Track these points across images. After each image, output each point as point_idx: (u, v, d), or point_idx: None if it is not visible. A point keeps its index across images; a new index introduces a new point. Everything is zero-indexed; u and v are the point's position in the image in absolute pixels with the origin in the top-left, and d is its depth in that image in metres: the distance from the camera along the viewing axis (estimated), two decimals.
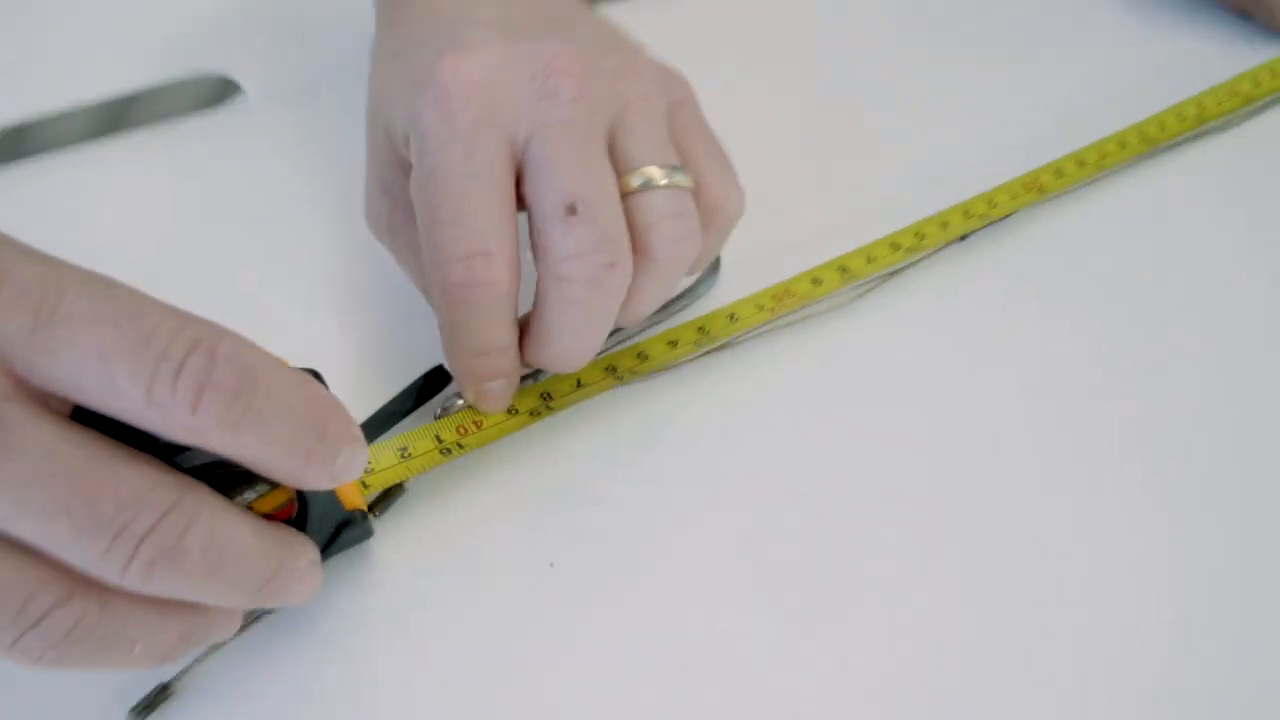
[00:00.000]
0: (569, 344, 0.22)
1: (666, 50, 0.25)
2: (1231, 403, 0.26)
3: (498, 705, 0.21)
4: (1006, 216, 0.30)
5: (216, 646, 0.22)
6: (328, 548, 0.21)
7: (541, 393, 0.25)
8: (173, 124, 0.35)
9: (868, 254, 0.28)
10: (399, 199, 0.24)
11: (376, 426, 0.24)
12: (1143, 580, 0.23)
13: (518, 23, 0.23)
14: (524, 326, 0.23)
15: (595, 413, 0.26)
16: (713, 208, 0.24)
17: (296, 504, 0.20)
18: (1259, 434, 0.26)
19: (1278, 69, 0.35)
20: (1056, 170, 0.31)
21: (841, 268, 0.28)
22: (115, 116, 0.38)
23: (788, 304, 0.27)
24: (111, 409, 0.16)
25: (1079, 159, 0.31)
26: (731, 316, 0.26)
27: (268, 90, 0.35)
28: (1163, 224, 0.31)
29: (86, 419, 0.16)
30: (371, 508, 0.23)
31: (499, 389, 0.23)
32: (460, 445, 0.24)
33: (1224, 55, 0.36)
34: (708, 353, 0.27)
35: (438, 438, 0.23)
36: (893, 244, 0.28)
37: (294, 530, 0.20)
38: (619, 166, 0.22)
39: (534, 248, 0.22)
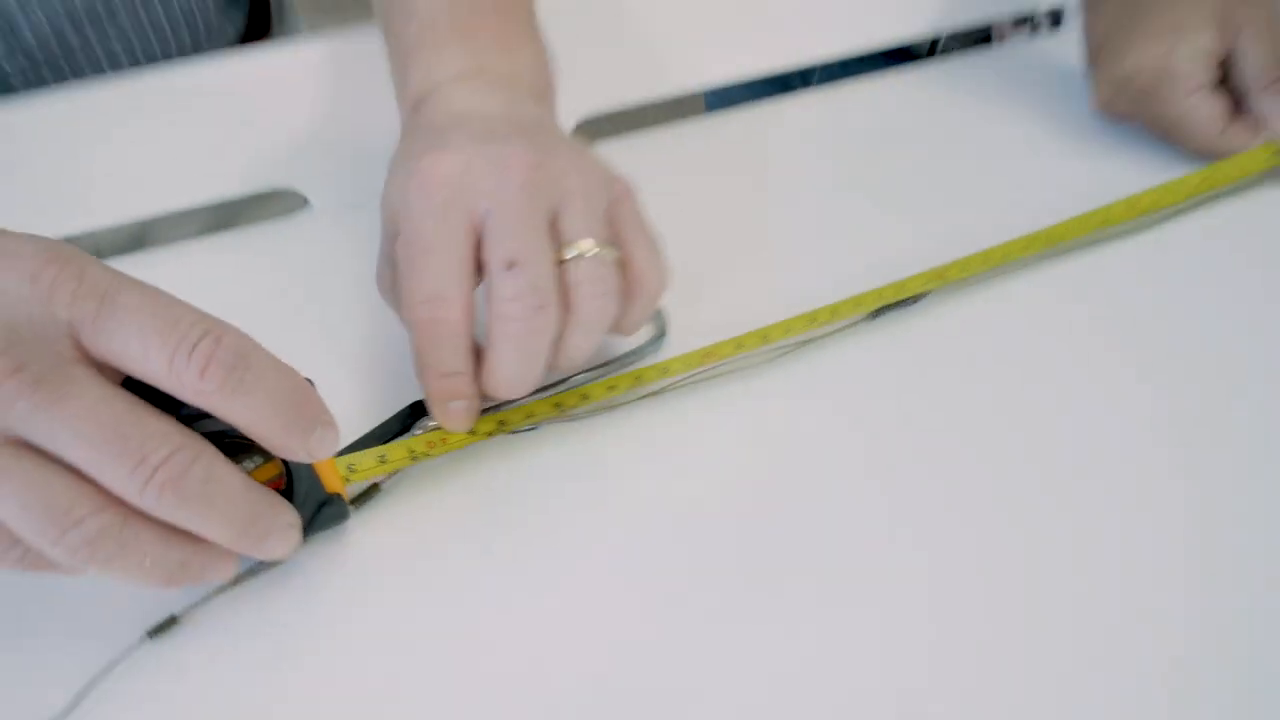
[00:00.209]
0: (510, 371, 0.28)
1: (657, 168, 0.32)
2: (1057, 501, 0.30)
3: (440, 654, 0.26)
4: (915, 298, 0.35)
5: (219, 589, 0.27)
6: (311, 523, 0.27)
7: (498, 420, 0.31)
8: (255, 228, 0.43)
9: (786, 325, 0.33)
10: (387, 281, 0.31)
11: (372, 440, 0.30)
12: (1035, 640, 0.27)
13: (493, 132, 0.30)
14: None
15: (545, 441, 0.31)
16: (638, 279, 0.30)
17: (286, 479, 0.26)
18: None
19: (1178, 188, 0.40)
20: (962, 265, 0.36)
21: (764, 335, 0.33)
22: (216, 219, 0.47)
23: (712, 360, 0.32)
24: (145, 374, 0.22)
25: (985, 257, 0.36)
26: (664, 369, 0.32)
27: (329, 204, 0.44)
28: (1058, 313, 0.36)
29: (133, 390, 0.23)
30: (354, 501, 0.29)
31: (459, 410, 0.29)
32: (427, 455, 0.29)
33: (1142, 174, 0.41)
34: (641, 398, 0.32)
35: (411, 450, 0.29)
36: (810, 318, 0.34)
37: (279, 495, 0.26)
38: (559, 240, 0.29)
39: (486, 296, 0.28)
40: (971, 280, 0.36)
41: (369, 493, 0.30)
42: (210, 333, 0.23)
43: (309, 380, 0.25)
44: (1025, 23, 0.55)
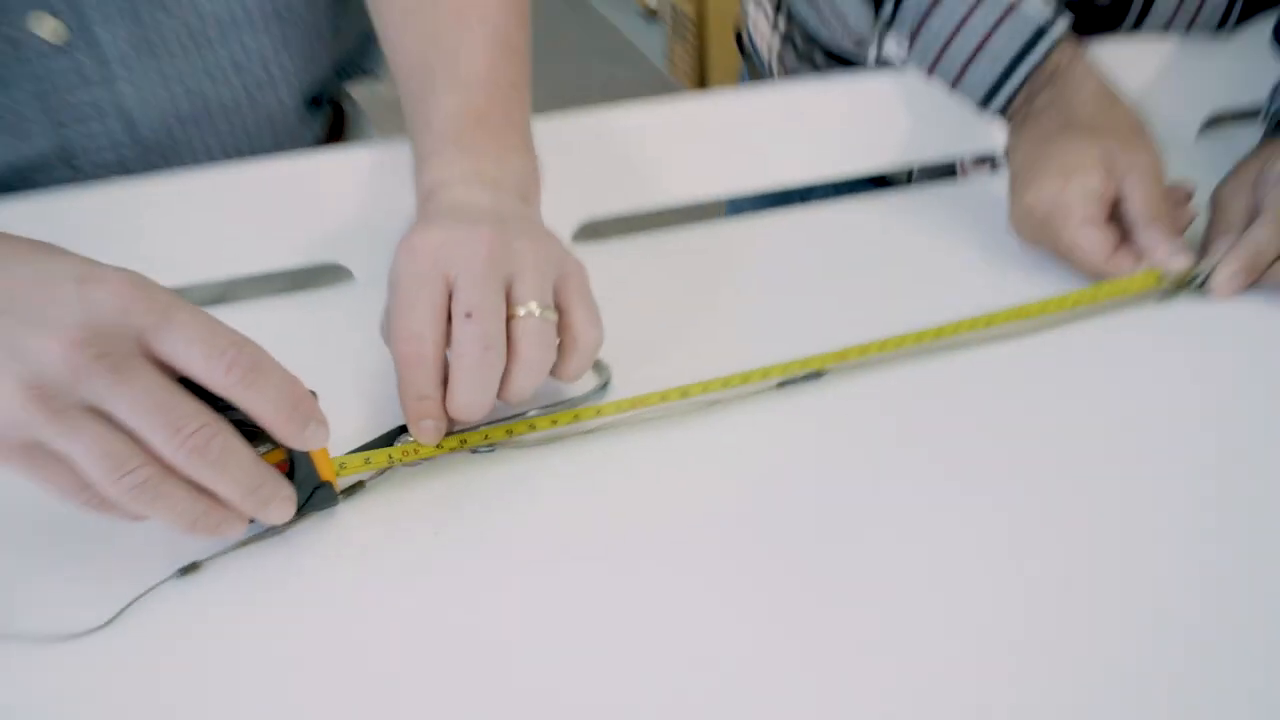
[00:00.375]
0: (465, 399, 0.37)
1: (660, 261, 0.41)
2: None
3: (394, 613, 0.34)
4: (817, 374, 0.43)
5: (234, 545, 0.36)
6: (307, 502, 0.36)
7: (461, 439, 0.39)
8: (307, 294, 0.53)
9: (704, 385, 0.41)
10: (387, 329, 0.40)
11: (364, 449, 0.38)
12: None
13: (473, 218, 0.39)
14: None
15: (497, 461, 0.39)
16: (574, 337, 0.39)
17: (289, 465, 0.35)
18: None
19: (1064, 302, 0.47)
20: (861, 349, 0.44)
21: (683, 391, 0.41)
22: (282, 284, 0.57)
23: (638, 406, 0.40)
24: (189, 371, 0.32)
25: (880, 345, 0.44)
26: (598, 411, 0.40)
27: (367, 277, 0.53)
28: (947, 397, 0.43)
29: (185, 385, 0.32)
30: (344, 492, 0.38)
31: (429, 427, 0.37)
32: (402, 461, 0.38)
33: (1035, 288, 0.49)
34: (578, 433, 0.40)
35: (389, 455, 0.38)
36: (724, 381, 0.42)
37: (281, 474, 0.34)
38: (511, 300, 0.37)
39: (450, 339, 0.37)
40: (870, 363, 0.44)
41: (355, 487, 0.38)
42: (236, 344, 0.32)
43: (313, 392, 0.34)
44: (985, 161, 0.63)
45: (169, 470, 0.32)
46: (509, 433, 0.39)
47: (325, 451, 0.36)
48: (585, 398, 0.42)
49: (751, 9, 0.74)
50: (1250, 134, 0.54)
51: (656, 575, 0.35)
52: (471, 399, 0.37)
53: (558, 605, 0.34)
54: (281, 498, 0.34)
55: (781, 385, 0.43)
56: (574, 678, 0.32)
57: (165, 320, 0.31)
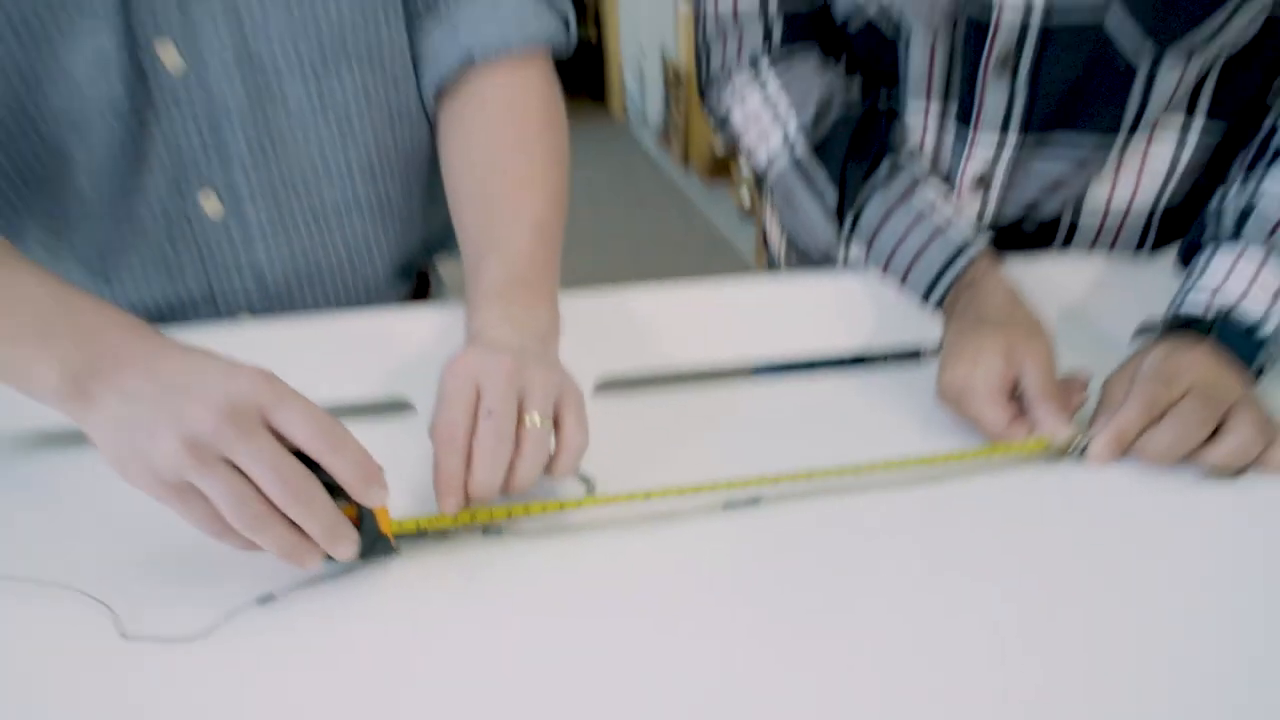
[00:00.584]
0: (481, 478, 0.50)
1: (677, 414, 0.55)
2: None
3: (419, 643, 0.46)
4: (756, 500, 0.55)
5: (302, 584, 0.49)
6: (369, 548, 0.49)
7: (472, 513, 0.52)
8: (379, 419, 0.68)
9: (663, 491, 0.54)
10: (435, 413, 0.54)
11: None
12: None
13: (501, 351, 0.54)
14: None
15: (501, 543, 0.52)
16: (564, 443, 0.52)
17: (359, 517, 0.48)
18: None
19: (966, 455, 0.59)
20: (791, 478, 0.56)
21: (646, 494, 0.54)
22: (364, 411, 0.72)
23: (604, 503, 0.53)
24: (295, 440, 0.45)
25: (808, 473, 0.56)
26: (578, 504, 0.53)
27: (426, 409, 0.68)
28: (866, 528, 0.55)
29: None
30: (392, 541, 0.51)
31: (453, 504, 0.51)
32: (429, 528, 0.51)
33: (955, 444, 0.60)
34: (564, 525, 0.53)
35: (418, 523, 0.51)
36: (677, 490, 0.54)
37: (350, 523, 0.47)
38: (521, 410, 0.51)
39: (475, 433, 0.51)
40: (801, 492, 0.56)
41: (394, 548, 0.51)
42: (328, 423, 0.46)
43: (380, 466, 0.48)
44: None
45: (275, 510, 0.45)
46: (509, 514, 0.52)
47: (385, 511, 0.49)
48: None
49: (768, 217, 0.90)
50: None
51: (617, 634, 0.47)
52: (486, 478, 0.50)
53: (537, 650, 0.46)
54: (350, 540, 0.47)
55: (727, 507, 0.55)
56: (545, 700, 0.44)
57: (281, 403, 0.46)
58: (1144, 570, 0.50)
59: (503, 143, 0.67)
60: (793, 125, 0.72)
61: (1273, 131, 0.68)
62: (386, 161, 0.70)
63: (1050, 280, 0.73)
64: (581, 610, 0.48)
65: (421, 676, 0.44)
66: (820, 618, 0.47)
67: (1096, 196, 0.73)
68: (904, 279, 0.69)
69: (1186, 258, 0.69)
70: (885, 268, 0.70)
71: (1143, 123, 0.68)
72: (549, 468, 0.53)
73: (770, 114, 0.73)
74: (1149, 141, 0.70)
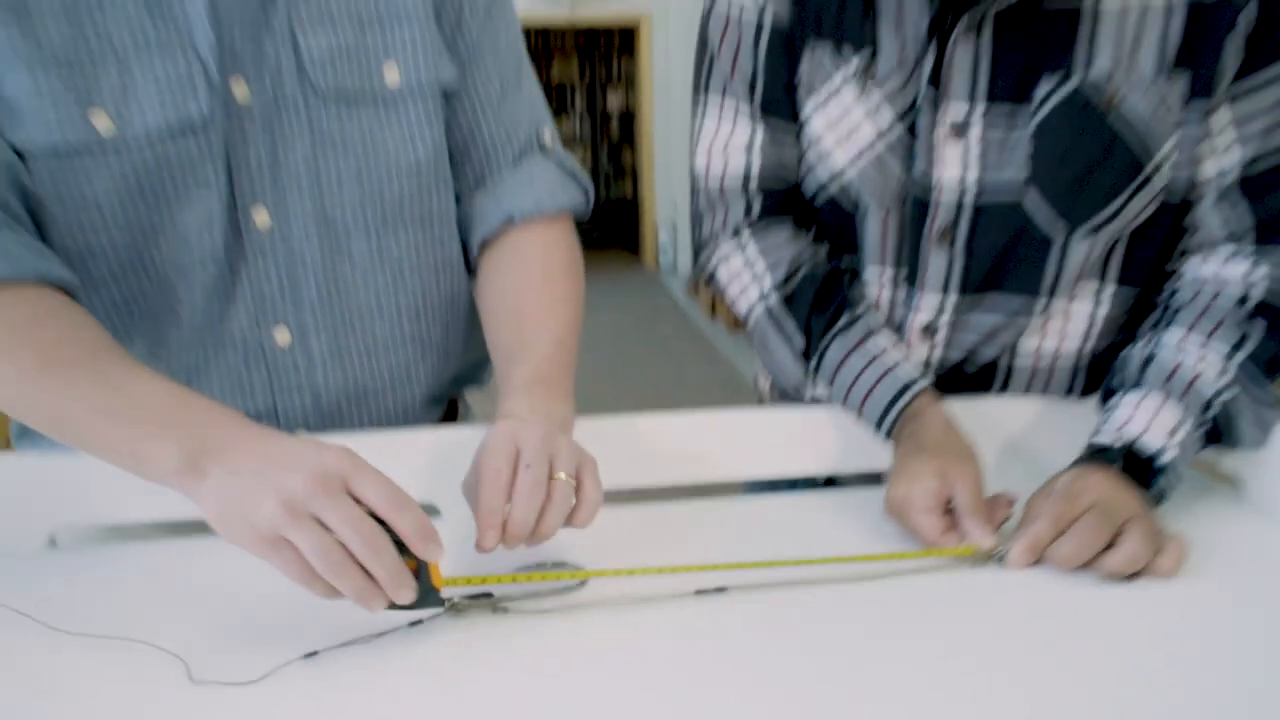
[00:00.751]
0: (519, 516, 0.62)
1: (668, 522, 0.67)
2: None
3: (454, 685, 0.57)
4: (722, 589, 0.66)
5: (342, 644, 0.60)
6: (423, 598, 0.60)
7: (497, 577, 0.63)
8: None
9: (643, 570, 0.65)
10: (470, 484, 0.66)
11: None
12: None
13: (531, 427, 0.66)
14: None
15: (507, 619, 0.63)
16: (587, 497, 0.64)
17: (417, 569, 0.60)
18: None
19: (905, 555, 0.69)
20: (753, 565, 0.66)
21: (629, 571, 0.65)
22: None
23: (594, 576, 0.64)
24: (369, 503, 0.58)
25: (769, 562, 0.67)
26: (573, 574, 0.64)
27: (454, 518, 0.80)
28: (818, 616, 0.65)
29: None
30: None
31: (492, 538, 0.62)
32: (464, 584, 0.62)
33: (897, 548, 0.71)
34: (565, 604, 0.64)
35: (468, 580, 0.62)
36: (656, 569, 0.65)
37: (410, 574, 0.59)
38: (551, 469, 0.63)
39: (515, 485, 0.63)
40: (760, 580, 0.67)
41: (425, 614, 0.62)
42: (396, 491, 0.58)
43: (436, 529, 0.60)
44: None
45: (352, 559, 0.57)
46: (514, 580, 0.64)
47: (437, 567, 0.60)
48: (568, 586, 0.66)
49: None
50: None
51: (604, 692, 0.57)
52: (523, 517, 0.62)
53: (533, 701, 0.56)
54: (410, 588, 0.58)
55: (697, 593, 0.66)
56: None
57: (359, 473, 0.58)
58: (1049, 655, 0.60)
59: (532, 280, 0.82)
60: (768, 283, 0.85)
61: (1171, 294, 0.81)
62: (429, 305, 0.85)
63: (990, 418, 0.85)
64: (573, 673, 0.58)
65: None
66: (772, 688, 0.57)
67: (1028, 346, 0.85)
68: (860, 412, 0.81)
69: (1105, 400, 0.80)
70: (844, 402, 0.83)
71: (1061, 286, 0.81)
72: (571, 519, 0.65)
73: (750, 274, 0.86)
74: (1070, 300, 0.83)
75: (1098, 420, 0.78)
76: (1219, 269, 0.79)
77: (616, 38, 9.82)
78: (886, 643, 0.61)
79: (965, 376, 0.86)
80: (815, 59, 0.81)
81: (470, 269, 0.88)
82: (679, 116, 7.25)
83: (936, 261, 0.82)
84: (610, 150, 10.28)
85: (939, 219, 0.80)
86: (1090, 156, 0.77)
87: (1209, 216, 0.79)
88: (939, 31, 0.77)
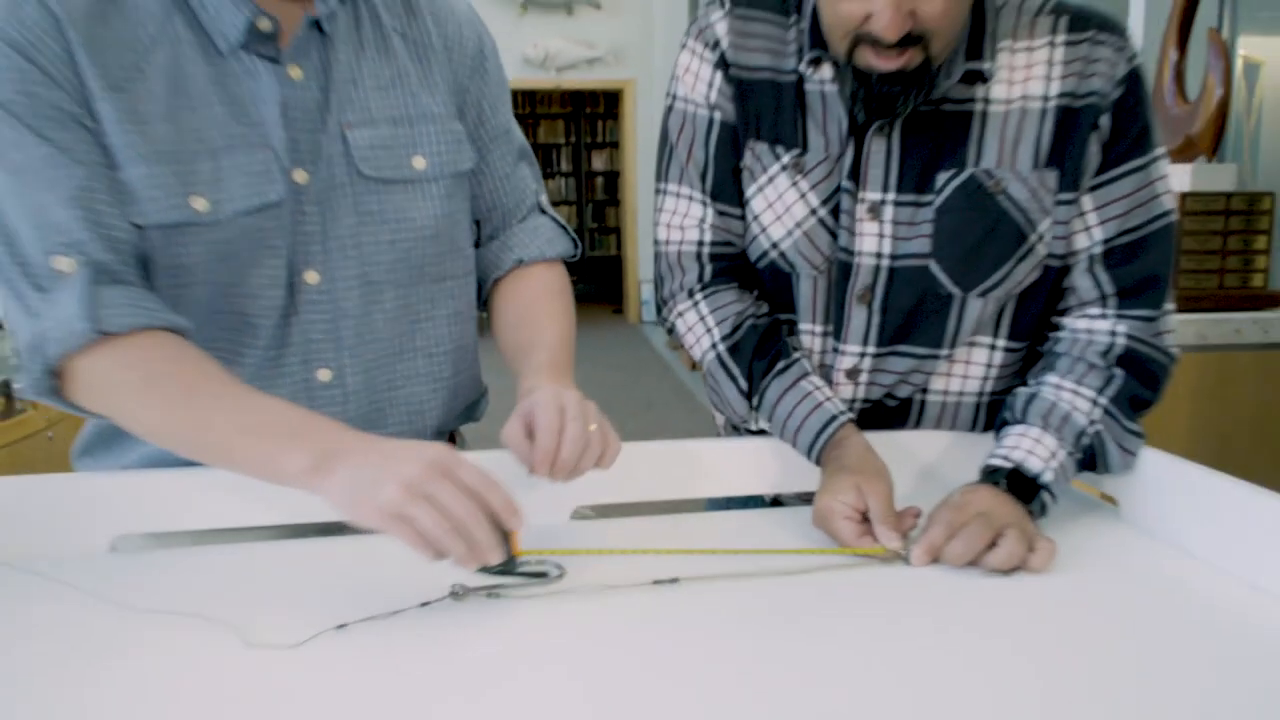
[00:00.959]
0: (566, 454, 0.80)
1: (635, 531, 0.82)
2: None
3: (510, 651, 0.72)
4: (675, 581, 0.81)
5: (366, 618, 0.74)
6: (506, 562, 0.75)
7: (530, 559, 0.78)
8: None
9: (622, 551, 0.80)
10: (512, 433, 0.84)
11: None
12: None
13: (562, 386, 0.85)
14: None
15: (503, 604, 0.78)
16: (611, 443, 0.83)
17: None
18: None
19: (828, 551, 0.84)
20: (701, 551, 0.82)
21: (610, 552, 0.80)
22: None
23: (573, 553, 0.79)
24: (467, 485, 0.73)
25: (712, 549, 0.82)
26: (553, 552, 0.79)
27: None
28: (755, 602, 0.80)
29: None
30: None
31: (545, 470, 0.81)
32: (521, 555, 0.77)
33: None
34: (548, 587, 0.79)
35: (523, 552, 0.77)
36: (623, 551, 0.80)
37: (502, 541, 0.74)
38: (585, 423, 0.81)
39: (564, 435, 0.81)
40: (707, 573, 0.82)
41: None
42: (485, 476, 0.74)
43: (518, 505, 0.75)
44: None
45: (458, 527, 0.71)
46: (571, 553, 0.79)
47: (517, 539, 0.75)
48: (551, 576, 0.81)
49: None
50: None
51: (582, 665, 0.72)
52: (571, 456, 0.80)
53: (526, 669, 0.71)
54: (498, 552, 0.73)
55: (655, 583, 0.81)
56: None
57: (458, 463, 0.73)
58: (942, 630, 0.75)
59: (538, 297, 1.04)
60: (717, 334, 1.02)
61: (1052, 345, 0.98)
62: (443, 348, 1.02)
63: (906, 449, 1.01)
64: (554, 642, 0.73)
65: (432, 683, 0.70)
66: (716, 658, 0.72)
67: (936, 386, 1.02)
68: (794, 441, 0.97)
69: (998, 431, 0.97)
70: (781, 433, 0.98)
71: (960, 338, 0.98)
72: (600, 461, 0.83)
73: (703, 327, 1.03)
74: (970, 349, 1.00)
75: (991, 448, 0.94)
76: (1089, 325, 0.96)
77: (602, 101, 10.13)
78: (811, 621, 0.76)
79: (884, 411, 1.03)
80: (755, 153, 0.98)
81: (483, 303, 1.09)
82: None
83: (858, 317, 0.98)
84: (595, 209, 10.53)
85: (859, 282, 0.97)
86: (981, 232, 0.94)
87: (1080, 282, 0.96)
88: (857, 133, 0.95)
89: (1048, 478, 0.89)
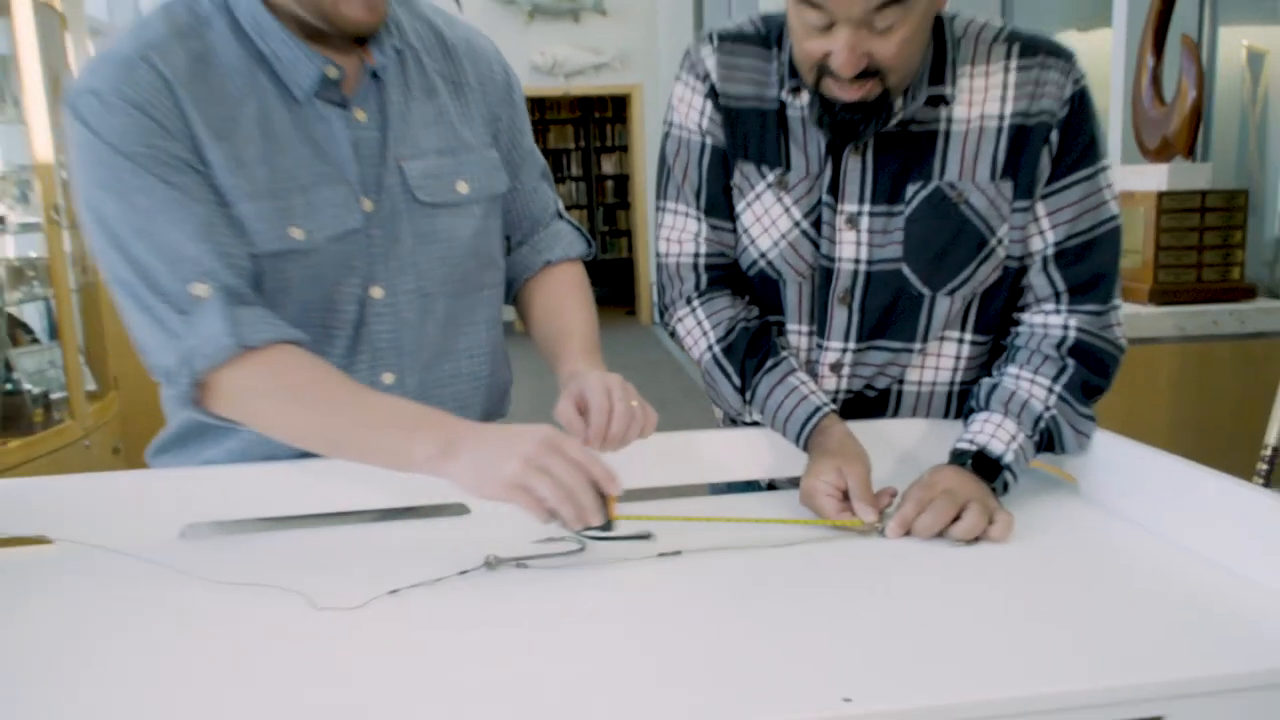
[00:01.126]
0: (616, 429, 0.94)
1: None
2: None
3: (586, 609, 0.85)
4: (678, 552, 0.93)
5: (415, 584, 0.87)
6: (606, 524, 0.88)
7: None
8: (433, 520, 1.07)
9: (627, 516, 0.92)
10: (565, 412, 0.97)
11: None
12: None
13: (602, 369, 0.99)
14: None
15: (530, 574, 0.90)
16: (649, 419, 0.96)
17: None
18: None
19: (813, 522, 0.96)
20: (700, 518, 0.94)
21: (641, 518, 0.92)
22: (425, 512, 1.11)
23: (622, 519, 0.92)
24: (573, 459, 0.87)
25: (695, 518, 0.94)
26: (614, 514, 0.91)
27: (480, 512, 1.07)
28: (731, 567, 0.92)
29: None
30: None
31: (598, 443, 0.94)
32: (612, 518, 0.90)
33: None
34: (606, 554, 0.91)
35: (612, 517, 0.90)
36: (621, 516, 0.92)
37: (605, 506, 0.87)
38: (628, 400, 0.95)
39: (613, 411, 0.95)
40: (708, 544, 0.93)
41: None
42: (587, 453, 0.87)
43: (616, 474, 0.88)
44: None
45: (569, 494, 0.84)
46: (664, 519, 0.91)
47: (615, 504, 0.88)
48: (609, 533, 0.93)
49: None
50: None
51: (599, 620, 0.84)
52: (621, 431, 0.93)
53: (550, 630, 0.83)
54: (601, 514, 0.86)
55: (660, 555, 0.93)
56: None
57: (565, 440, 0.86)
58: (912, 597, 0.87)
59: (565, 291, 1.19)
60: (713, 337, 1.14)
61: (1013, 338, 1.09)
62: (482, 350, 1.16)
63: (885, 435, 1.13)
64: (575, 605, 0.85)
65: (470, 637, 0.82)
66: (714, 618, 0.84)
67: (911, 377, 1.14)
68: (783, 430, 1.09)
69: (966, 418, 1.08)
70: (771, 423, 1.10)
71: (931, 333, 1.10)
72: (643, 432, 0.96)
73: (700, 330, 1.15)
74: (940, 344, 1.12)
75: (960, 433, 1.06)
76: (1044, 319, 1.08)
77: (610, 106, 10.26)
78: (798, 589, 0.88)
79: (865, 401, 1.15)
80: (744, 173, 1.11)
81: (511, 299, 1.23)
82: None
83: (839, 317, 1.10)
84: (605, 212, 10.66)
85: (840, 285, 1.09)
86: (947, 237, 1.06)
87: (1035, 281, 1.08)
88: (834, 152, 1.07)
89: (1009, 459, 1.01)
